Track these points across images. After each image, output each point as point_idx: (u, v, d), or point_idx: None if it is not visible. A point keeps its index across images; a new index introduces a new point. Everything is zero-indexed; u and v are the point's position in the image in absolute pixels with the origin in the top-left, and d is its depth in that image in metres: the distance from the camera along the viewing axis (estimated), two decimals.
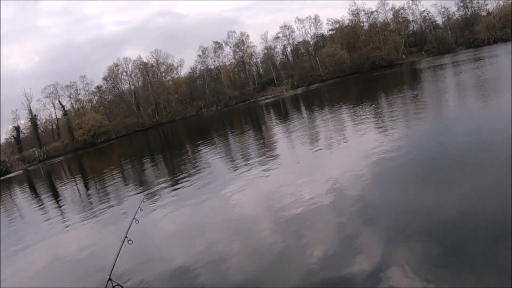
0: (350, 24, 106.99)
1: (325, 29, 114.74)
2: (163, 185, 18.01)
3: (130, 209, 14.32)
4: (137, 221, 5.99)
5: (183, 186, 16.58)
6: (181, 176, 18.92)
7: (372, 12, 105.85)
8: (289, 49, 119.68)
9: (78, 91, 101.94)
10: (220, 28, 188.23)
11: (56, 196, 24.82)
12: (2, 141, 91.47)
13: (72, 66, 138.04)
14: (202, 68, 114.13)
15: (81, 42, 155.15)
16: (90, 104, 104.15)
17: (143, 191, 17.66)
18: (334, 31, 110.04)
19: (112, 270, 4.25)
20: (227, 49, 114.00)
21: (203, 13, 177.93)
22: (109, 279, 3.98)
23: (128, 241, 5.79)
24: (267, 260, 7.89)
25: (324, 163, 14.94)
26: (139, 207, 8.32)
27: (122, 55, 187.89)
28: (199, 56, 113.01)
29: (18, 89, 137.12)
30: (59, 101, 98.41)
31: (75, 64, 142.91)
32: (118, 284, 3.97)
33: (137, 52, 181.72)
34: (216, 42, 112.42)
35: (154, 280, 8.23)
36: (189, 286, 7.59)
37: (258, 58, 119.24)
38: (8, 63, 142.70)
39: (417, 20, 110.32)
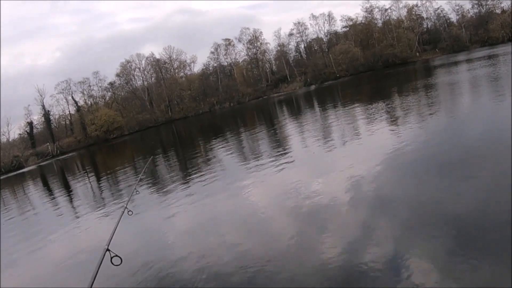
0: (363, 21, 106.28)
1: (338, 26, 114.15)
2: (173, 179, 17.97)
3: (139, 202, 14.31)
4: (130, 212, 5.96)
5: (193, 181, 16.44)
6: (192, 172, 18.84)
7: (385, 10, 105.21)
8: (302, 46, 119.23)
9: (91, 87, 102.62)
10: (239, 25, 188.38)
11: (68, 189, 24.94)
12: (16, 136, 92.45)
13: (91, 63, 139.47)
14: (215, 64, 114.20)
15: (99, 40, 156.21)
16: (103, 100, 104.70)
17: (153, 186, 17.63)
18: (348, 28, 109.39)
19: (110, 241, 4.20)
20: (240, 46, 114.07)
21: (222, 9, 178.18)
22: (107, 249, 3.92)
23: (128, 211, 5.79)
24: (282, 253, 7.76)
25: (338, 158, 14.76)
26: (133, 191, 8.28)
27: (142, 52, 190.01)
28: (212, 53, 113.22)
29: (35, 85, 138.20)
30: (72, 97, 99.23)
31: (94, 61, 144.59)
32: (116, 255, 3.90)
33: (157, 49, 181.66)
34: (226, 39, 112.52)
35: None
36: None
37: (271, 55, 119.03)
38: (26, 60, 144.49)
39: (431, 17, 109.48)
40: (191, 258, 8.43)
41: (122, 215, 5.45)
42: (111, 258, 3.88)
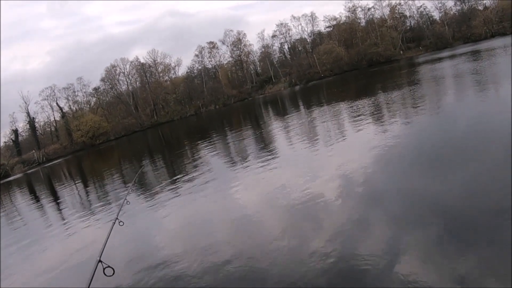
0: (347, 21, 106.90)
1: (322, 26, 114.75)
2: (163, 185, 17.85)
3: (130, 212, 14.23)
4: (121, 223, 5.93)
5: (183, 187, 16.31)
6: (181, 177, 18.76)
7: (369, 9, 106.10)
8: (286, 47, 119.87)
9: (76, 93, 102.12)
10: (228, 26, 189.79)
11: (55, 197, 24.73)
12: (2, 144, 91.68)
13: (82, 67, 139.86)
14: (200, 67, 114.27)
15: (89, 43, 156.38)
16: (88, 106, 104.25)
17: (143, 194, 17.52)
18: (331, 28, 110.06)
19: (102, 252, 4.21)
20: (224, 48, 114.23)
21: (210, 11, 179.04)
22: (99, 261, 3.93)
23: (119, 222, 5.79)
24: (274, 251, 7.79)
25: (325, 155, 14.87)
26: (123, 202, 8.24)
27: (132, 55, 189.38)
28: (196, 55, 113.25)
29: (24, 91, 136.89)
30: (57, 103, 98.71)
31: (85, 65, 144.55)
32: (109, 266, 3.92)
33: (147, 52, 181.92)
34: (211, 42, 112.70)
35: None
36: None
37: (255, 56, 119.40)
38: (16, 65, 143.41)
39: (414, 15, 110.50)
40: (184, 266, 8.43)
41: (113, 226, 5.46)
42: (104, 269, 3.90)
